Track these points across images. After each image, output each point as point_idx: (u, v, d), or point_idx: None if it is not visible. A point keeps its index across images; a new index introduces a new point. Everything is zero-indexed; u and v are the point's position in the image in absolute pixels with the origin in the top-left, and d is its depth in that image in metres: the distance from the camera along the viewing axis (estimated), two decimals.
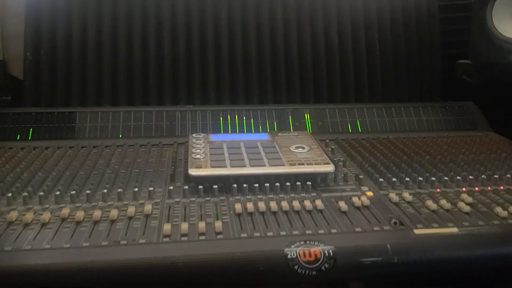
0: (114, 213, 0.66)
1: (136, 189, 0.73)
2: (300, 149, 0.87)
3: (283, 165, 0.79)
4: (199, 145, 0.88)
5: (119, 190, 0.72)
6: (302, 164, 0.79)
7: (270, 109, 1.10)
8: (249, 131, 1.05)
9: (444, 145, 1.00)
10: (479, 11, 1.06)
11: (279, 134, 0.96)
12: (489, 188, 0.78)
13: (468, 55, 1.13)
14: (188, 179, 0.78)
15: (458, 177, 0.80)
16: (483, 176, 0.81)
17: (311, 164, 0.80)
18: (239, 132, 1.05)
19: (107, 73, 1.11)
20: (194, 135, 0.95)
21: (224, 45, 1.15)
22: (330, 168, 0.79)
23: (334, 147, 0.98)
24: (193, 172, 0.77)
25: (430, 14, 1.23)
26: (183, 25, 1.14)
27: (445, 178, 0.80)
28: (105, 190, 0.73)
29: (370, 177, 0.82)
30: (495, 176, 0.81)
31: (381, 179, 0.79)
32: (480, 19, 1.06)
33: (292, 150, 0.86)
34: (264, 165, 0.79)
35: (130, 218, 0.66)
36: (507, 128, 1.11)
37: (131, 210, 0.68)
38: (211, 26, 1.15)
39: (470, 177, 0.81)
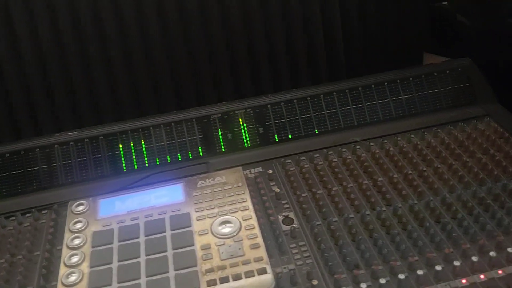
0: None
1: None
2: (227, 229, 0.59)
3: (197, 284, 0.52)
4: (77, 239, 0.59)
5: None
6: (226, 279, 0.52)
7: (189, 118, 0.77)
8: (162, 161, 0.75)
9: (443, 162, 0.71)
10: None
11: (198, 187, 0.66)
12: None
13: None
14: None
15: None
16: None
17: (239, 277, 0.52)
18: (148, 163, 0.75)
19: None
20: (74, 206, 0.65)
21: None
22: (268, 280, 0.52)
23: (278, 189, 0.68)
24: None
25: None
26: None
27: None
28: None
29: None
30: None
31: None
32: None
33: (215, 234, 0.58)
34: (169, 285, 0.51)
35: None
36: None
37: None
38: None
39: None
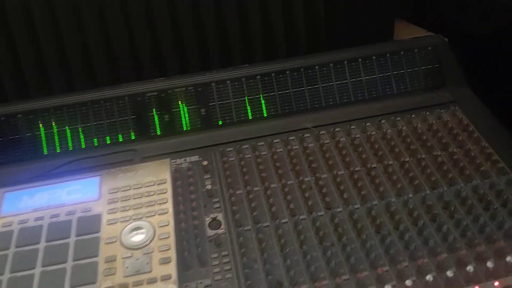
0: None
1: None
2: (139, 237, 0.53)
3: None
4: None
5: None
6: None
7: (120, 95, 0.69)
8: (88, 145, 0.67)
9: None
10: None
11: (117, 181, 0.59)
12: None
13: None
14: None
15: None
16: None
17: None
18: (72, 146, 0.67)
19: None
20: None
21: None
22: None
23: (210, 185, 0.61)
24: None
25: None
26: None
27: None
28: None
29: None
30: None
31: None
32: None
33: (123, 243, 0.52)
34: None
35: None
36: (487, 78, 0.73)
37: None
38: None
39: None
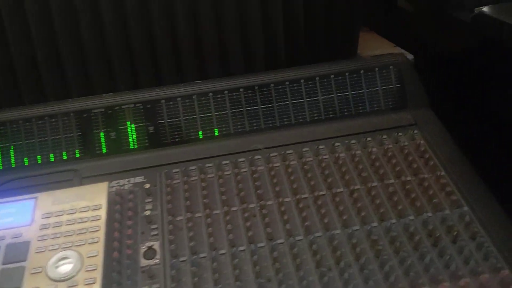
0: None
1: None
2: (65, 268, 0.50)
3: None
4: None
5: None
6: None
7: (66, 111, 0.66)
8: (31, 162, 0.65)
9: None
10: None
11: (51, 206, 0.56)
12: None
13: None
14: None
15: None
16: None
17: None
18: (15, 163, 0.65)
19: None
20: None
21: None
22: None
23: (149, 211, 0.58)
24: None
25: None
26: None
27: None
28: None
29: None
30: None
31: None
32: None
33: (48, 274, 0.49)
34: None
35: None
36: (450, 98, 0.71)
37: None
38: None
39: None
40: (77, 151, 0.66)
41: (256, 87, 0.69)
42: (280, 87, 0.69)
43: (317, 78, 0.70)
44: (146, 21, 0.71)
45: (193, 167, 0.64)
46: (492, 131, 0.71)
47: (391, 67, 0.71)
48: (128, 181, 0.63)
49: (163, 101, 0.68)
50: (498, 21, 0.60)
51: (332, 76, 0.70)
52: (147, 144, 0.67)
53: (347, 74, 0.70)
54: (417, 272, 0.51)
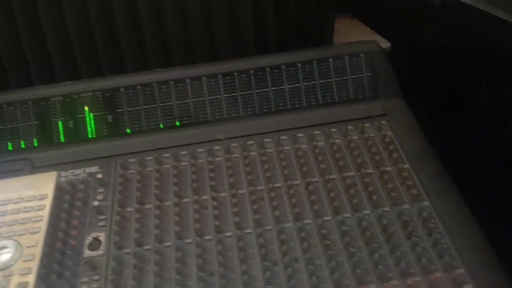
0: None
1: None
2: (4, 257, 0.49)
3: None
4: None
5: None
6: None
7: (23, 99, 0.65)
8: None
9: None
10: None
11: (3, 191, 0.55)
12: None
13: None
14: None
15: None
16: None
17: None
18: None
19: None
20: None
21: None
22: None
23: (97, 202, 0.57)
24: None
25: None
26: None
27: None
28: None
29: None
30: None
31: None
32: None
33: None
34: None
35: None
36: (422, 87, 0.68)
37: None
38: None
39: None
40: (34, 139, 0.65)
41: (220, 76, 0.67)
42: (244, 75, 0.67)
43: (283, 67, 0.67)
44: (132, 6, 0.70)
45: (150, 158, 0.63)
46: (466, 125, 0.68)
47: (361, 55, 0.68)
48: (83, 170, 0.62)
49: (122, 89, 0.66)
50: (466, 6, 0.57)
51: (299, 64, 0.67)
52: (105, 134, 0.66)
53: (314, 62, 0.68)
54: (365, 269, 0.49)
